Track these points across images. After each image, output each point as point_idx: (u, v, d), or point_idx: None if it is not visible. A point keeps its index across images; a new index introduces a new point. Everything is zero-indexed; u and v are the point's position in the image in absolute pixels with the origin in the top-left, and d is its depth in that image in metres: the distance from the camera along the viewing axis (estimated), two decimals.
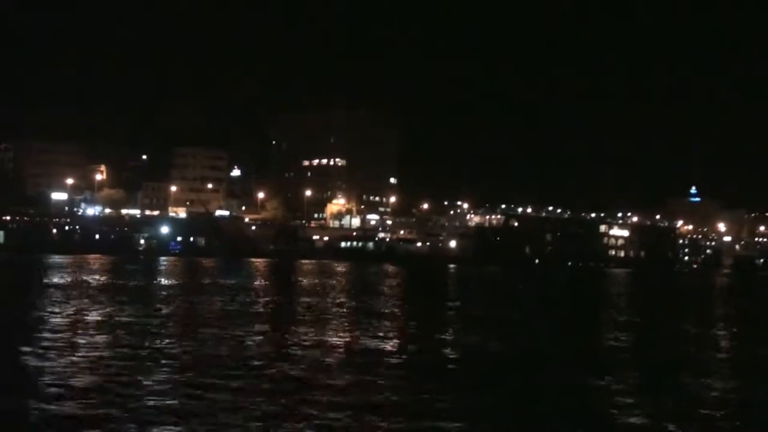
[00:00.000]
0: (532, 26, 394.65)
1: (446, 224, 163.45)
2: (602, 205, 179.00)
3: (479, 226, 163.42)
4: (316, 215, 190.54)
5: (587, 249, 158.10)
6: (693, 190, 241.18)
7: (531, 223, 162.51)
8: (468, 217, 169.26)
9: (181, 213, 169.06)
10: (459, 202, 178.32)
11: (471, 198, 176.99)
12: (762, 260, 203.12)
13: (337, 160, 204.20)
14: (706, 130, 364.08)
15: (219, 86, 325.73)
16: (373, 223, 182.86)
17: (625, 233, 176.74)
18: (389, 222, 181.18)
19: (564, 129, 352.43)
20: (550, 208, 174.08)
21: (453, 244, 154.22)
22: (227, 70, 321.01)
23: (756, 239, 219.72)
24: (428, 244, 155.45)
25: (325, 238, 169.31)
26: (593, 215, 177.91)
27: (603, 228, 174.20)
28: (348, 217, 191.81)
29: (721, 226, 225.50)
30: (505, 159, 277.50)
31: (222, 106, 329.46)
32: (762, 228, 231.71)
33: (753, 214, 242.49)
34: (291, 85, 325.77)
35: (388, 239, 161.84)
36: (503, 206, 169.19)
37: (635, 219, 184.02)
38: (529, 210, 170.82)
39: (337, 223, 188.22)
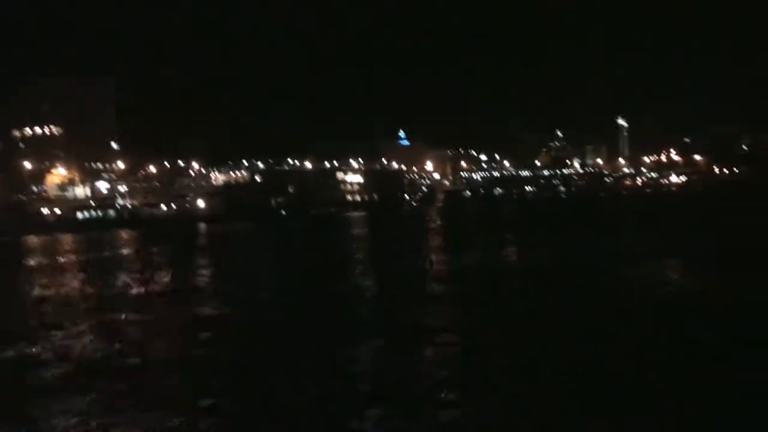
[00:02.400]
0: None
1: (192, 185, 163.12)
2: (336, 153, 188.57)
3: (227, 184, 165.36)
4: (35, 188, 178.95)
5: (328, 196, 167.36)
6: (401, 133, 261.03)
7: (274, 176, 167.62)
8: (213, 176, 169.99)
9: None
10: (194, 163, 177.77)
11: (201, 157, 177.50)
12: (469, 192, 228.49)
13: (53, 127, 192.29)
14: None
15: None
16: (105, 191, 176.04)
17: (360, 179, 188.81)
18: (121, 188, 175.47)
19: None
20: (290, 161, 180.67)
21: (201, 203, 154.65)
22: None
23: (461, 173, 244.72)
24: (173, 206, 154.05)
25: (57, 211, 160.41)
26: (332, 164, 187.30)
27: (340, 176, 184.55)
28: (71, 187, 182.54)
29: (429, 165, 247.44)
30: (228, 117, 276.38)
31: None
32: (463, 163, 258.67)
33: (452, 152, 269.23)
34: None
35: (130, 206, 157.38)
36: (245, 162, 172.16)
37: (364, 165, 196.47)
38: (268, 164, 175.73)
39: (61, 195, 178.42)
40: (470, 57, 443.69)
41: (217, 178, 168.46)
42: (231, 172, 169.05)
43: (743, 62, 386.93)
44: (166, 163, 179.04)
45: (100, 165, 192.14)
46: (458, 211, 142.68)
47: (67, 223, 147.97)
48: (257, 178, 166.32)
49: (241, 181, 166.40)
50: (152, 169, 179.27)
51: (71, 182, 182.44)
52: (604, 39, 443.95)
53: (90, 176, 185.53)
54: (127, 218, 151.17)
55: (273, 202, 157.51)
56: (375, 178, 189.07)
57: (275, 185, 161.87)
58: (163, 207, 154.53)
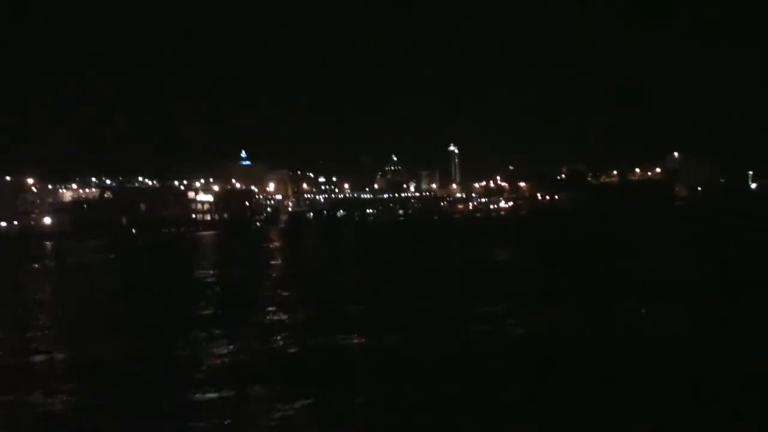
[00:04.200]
0: None
1: (37, 201, 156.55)
2: (184, 173, 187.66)
3: (76, 200, 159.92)
4: None
5: (179, 215, 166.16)
6: (243, 154, 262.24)
7: (125, 193, 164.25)
8: (60, 192, 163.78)
9: None
10: (28, 178, 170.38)
11: (36, 173, 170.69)
12: (311, 213, 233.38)
13: None
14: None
15: None
16: None
17: (210, 198, 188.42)
18: None
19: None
20: (140, 179, 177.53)
21: (48, 220, 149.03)
22: None
23: (304, 195, 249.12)
24: (15, 222, 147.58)
25: None
26: (183, 182, 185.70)
27: (191, 194, 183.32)
28: None
29: (271, 186, 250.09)
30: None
31: None
32: (304, 185, 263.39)
33: (291, 173, 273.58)
34: None
35: None
36: (94, 179, 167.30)
37: (216, 186, 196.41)
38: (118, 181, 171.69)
39: None
40: (310, 81, 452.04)
41: (65, 194, 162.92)
42: (79, 189, 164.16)
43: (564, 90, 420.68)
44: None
45: None
46: (300, 233, 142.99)
47: None
48: (107, 195, 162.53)
49: (91, 198, 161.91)
50: None
51: None
52: (433, 69, 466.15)
53: None
54: None
55: (123, 219, 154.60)
56: (225, 197, 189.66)
57: (126, 203, 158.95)
58: (3, 224, 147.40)
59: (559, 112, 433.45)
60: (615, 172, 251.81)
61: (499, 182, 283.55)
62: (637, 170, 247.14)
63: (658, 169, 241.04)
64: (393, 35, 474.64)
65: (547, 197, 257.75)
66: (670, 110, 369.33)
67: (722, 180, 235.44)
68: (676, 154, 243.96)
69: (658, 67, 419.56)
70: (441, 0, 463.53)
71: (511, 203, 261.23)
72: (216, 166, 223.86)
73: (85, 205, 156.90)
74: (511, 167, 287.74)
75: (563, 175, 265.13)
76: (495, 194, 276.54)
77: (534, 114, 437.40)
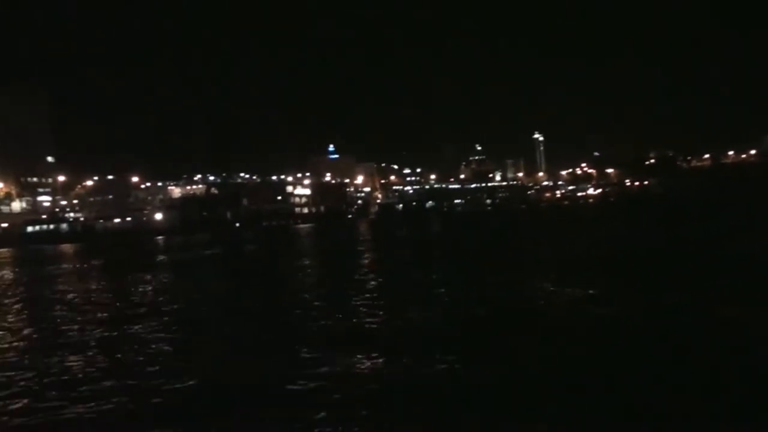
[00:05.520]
0: None
1: (149, 198, 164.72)
2: (280, 167, 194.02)
3: (185, 197, 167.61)
4: None
5: (278, 208, 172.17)
6: (331, 147, 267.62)
7: (229, 189, 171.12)
8: (170, 189, 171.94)
9: None
10: (134, 177, 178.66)
11: (141, 172, 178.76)
12: (401, 205, 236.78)
13: None
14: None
15: None
16: (46, 204, 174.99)
17: (307, 192, 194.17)
18: (63, 202, 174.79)
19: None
20: (243, 174, 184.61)
21: (159, 216, 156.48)
22: None
23: (393, 187, 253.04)
24: (129, 219, 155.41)
25: (3, 225, 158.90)
26: (281, 177, 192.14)
27: (289, 188, 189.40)
28: (8, 201, 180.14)
29: (359, 178, 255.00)
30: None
31: None
32: (392, 177, 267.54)
33: (378, 165, 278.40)
34: None
35: (82, 218, 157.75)
36: (198, 176, 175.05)
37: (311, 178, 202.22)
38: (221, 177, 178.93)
39: None
40: (391, 75, 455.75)
41: (173, 191, 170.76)
42: (187, 186, 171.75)
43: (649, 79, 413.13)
44: (110, 177, 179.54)
45: (35, 179, 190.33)
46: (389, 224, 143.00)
47: (16, 237, 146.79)
48: (213, 192, 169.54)
49: (198, 194, 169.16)
50: (90, 183, 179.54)
51: (8, 196, 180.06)
52: (516, 57, 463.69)
53: (27, 190, 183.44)
54: (80, 232, 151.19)
55: (228, 214, 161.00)
56: (320, 191, 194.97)
57: (229, 198, 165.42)
58: (117, 220, 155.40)
59: (642, 94, 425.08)
60: (707, 156, 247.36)
61: (585, 169, 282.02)
62: (731, 153, 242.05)
63: (753, 151, 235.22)
64: (468, 24, 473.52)
65: (637, 183, 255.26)
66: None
67: None
68: None
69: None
70: None
71: (600, 190, 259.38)
72: (306, 160, 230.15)
73: (193, 201, 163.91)
74: (596, 153, 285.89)
75: (652, 160, 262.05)
76: (582, 181, 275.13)
77: (616, 97, 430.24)
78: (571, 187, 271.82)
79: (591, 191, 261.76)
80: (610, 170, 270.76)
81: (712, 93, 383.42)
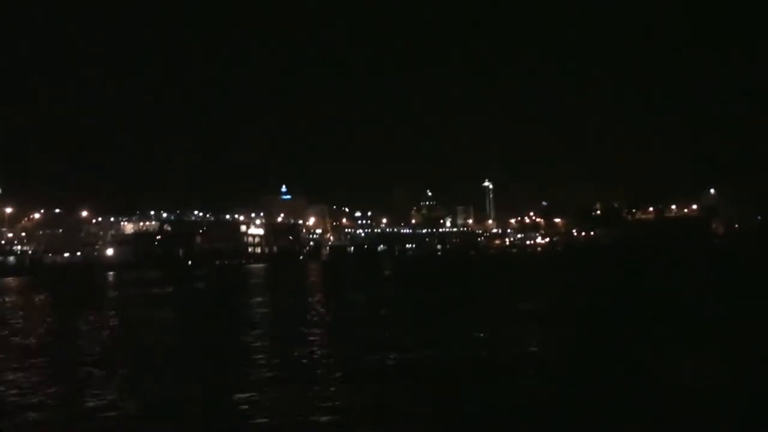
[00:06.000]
0: None
1: (101, 233, 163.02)
2: (231, 206, 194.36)
3: (138, 233, 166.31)
4: None
5: (232, 247, 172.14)
6: (284, 188, 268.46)
7: (182, 227, 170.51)
8: (122, 224, 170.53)
9: None
10: (83, 211, 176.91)
11: (90, 207, 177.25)
12: (353, 248, 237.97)
13: None
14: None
15: None
16: None
17: (261, 231, 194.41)
18: (7, 234, 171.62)
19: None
20: (196, 212, 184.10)
21: (110, 251, 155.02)
22: None
23: (345, 230, 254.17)
24: (79, 254, 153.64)
25: None
26: (234, 216, 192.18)
27: (243, 228, 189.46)
28: None
29: (311, 220, 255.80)
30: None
31: None
32: (344, 220, 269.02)
33: (329, 207, 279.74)
34: None
35: (30, 252, 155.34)
36: (152, 213, 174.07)
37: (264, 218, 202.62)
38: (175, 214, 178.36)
39: None
40: (343, 122, 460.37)
41: (126, 226, 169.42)
42: (140, 222, 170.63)
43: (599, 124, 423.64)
44: (57, 210, 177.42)
45: None
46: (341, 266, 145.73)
47: None
48: (167, 228, 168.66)
49: (151, 230, 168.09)
50: (36, 216, 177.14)
51: None
52: (462, 104, 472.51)
53: None
54: (28, 265, 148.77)
55: (180, 252, 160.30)
56: (274, 231, 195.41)
57: (183, 236, 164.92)
58: (67, 254, 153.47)
59: (591, 145, 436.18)
60: (651, 209, 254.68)
61: (534, 218, 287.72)
62: (674, 207, 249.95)
63: (694, 206, 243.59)
64: (422, 64, 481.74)
65: (583, 233, 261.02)
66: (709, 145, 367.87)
67: (759, 217, 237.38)
68: (712, 190, 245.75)
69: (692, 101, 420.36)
70: (460, 24, 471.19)
71: (547, 239, 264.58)
72: (257, 199, 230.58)
73: (145, 237, 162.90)
74: (544, 203, 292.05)
75: (598, 212, 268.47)
76: (530, 230, 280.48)
77: (565, 147, 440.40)
78: (519, 236, 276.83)
79: (539, 240, 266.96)
80: (557, 220, 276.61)
81: (654, 148, 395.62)
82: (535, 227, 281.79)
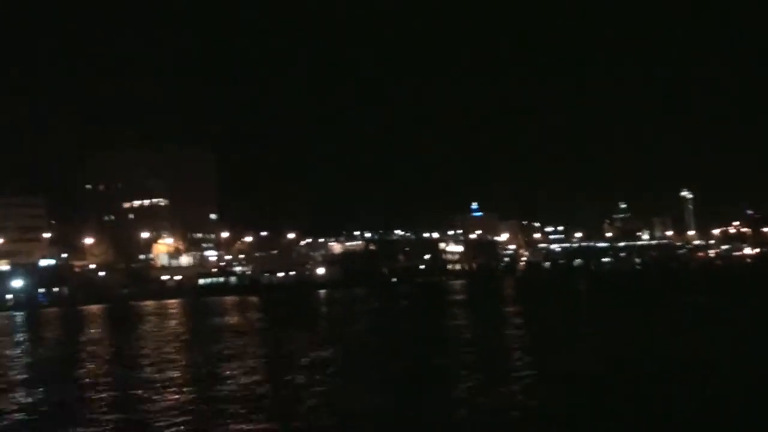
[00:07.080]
0: None
1: (311, 253, 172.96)
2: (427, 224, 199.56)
3: (346, 252, 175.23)
4: (141, 256, 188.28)
5: (432, 265, 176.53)
6: (474, 205, 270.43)
7: (386, 246, 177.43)
8: (330, 245, 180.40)
9: (3, 266, 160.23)
10: (290, 234, 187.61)
11: (295, 229, 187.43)
12: (548, 263, 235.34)
13: (159, 199, 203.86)
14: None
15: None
16: (212, 259, 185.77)
17: (460, 248, 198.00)
18: (227, 257, 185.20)
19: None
20: (398, 231, 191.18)
21: (321, 271, 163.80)
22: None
23: (539, 245, 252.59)
24: (292, 273, 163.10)
25: (177, 277, 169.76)
26: (432, 234, 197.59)
27: (442, 245, 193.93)
28: (178, 256, 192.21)
29: (504, 236, 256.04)
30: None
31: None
32: (536, 235, 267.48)
33: (522, 222, 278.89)
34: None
35: (249, 272, 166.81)
36: (356, 233, 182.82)
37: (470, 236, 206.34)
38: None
39: (166, 263, 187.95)
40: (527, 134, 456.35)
41: (334, 246, 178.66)
42: (346, 242, 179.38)
43: None
44: (263, 233, 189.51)
45: (199, 235, 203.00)
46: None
47: (188, 289, 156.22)
48: (371, 248, 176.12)
49: (358, 250, 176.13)
50: (248, 239, 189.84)
51: (177, 251, 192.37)
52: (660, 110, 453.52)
53: (193, 245, 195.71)
54: (247, 284, 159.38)
55: (385, 270, 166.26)
56: (473, 248, 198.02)
57: (386, 254, 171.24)
58: (281, 274, 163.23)
59: None
60: None
61: (739, 227, 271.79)
62: None
63: None
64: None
65: None
66: None
67: None
68: None
69: None
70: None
71: (758, 249, 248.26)
72: (447, 217, 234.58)
73: (352, 257, 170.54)
74: (749, 211, 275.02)
75: None
76: (736, 240, 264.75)
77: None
78: (725, 247, 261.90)
79: (748, 251, 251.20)
80: (766, 229, 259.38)
81: None
82: (741, 237, 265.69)
